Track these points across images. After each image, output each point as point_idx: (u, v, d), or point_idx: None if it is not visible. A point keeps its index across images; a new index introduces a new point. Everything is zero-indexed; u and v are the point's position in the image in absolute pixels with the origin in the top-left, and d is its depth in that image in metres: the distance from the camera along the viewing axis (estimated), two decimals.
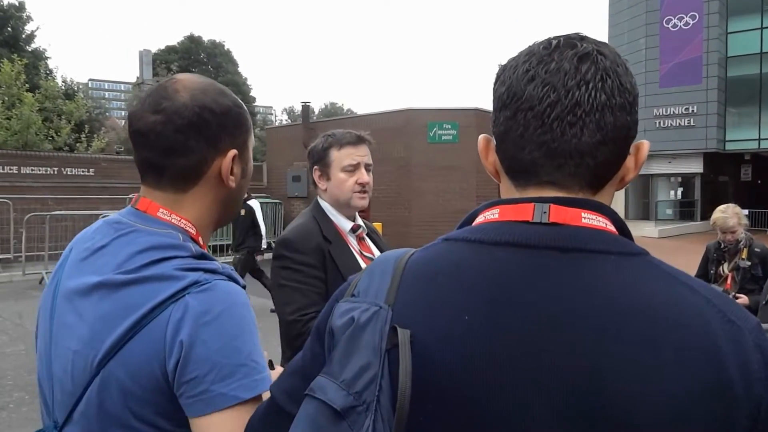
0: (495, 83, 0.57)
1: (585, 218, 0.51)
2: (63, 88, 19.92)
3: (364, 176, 1.54)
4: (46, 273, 8.19)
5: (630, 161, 0.55)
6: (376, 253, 1.61)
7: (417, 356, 0.48)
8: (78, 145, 17.09)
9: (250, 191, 6.09)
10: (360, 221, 1.62)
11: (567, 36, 0.54)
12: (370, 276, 0.56)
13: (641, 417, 0.43)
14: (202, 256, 0.74)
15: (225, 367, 0.66)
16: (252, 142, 0.85)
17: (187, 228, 0.77)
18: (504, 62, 0.57)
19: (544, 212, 0.51)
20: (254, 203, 6.71)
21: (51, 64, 24.80)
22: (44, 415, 0.77)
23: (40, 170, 11.35)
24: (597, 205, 0.53)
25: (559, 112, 0.51)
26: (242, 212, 6.38)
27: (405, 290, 0.52)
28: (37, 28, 22.76)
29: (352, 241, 1.56)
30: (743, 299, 3.12)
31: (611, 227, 0.53)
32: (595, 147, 0.51)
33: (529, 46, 0.56)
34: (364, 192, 1.55)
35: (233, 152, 0.78)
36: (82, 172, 11.91)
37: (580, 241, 0.50)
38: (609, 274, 0.48)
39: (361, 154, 1.54)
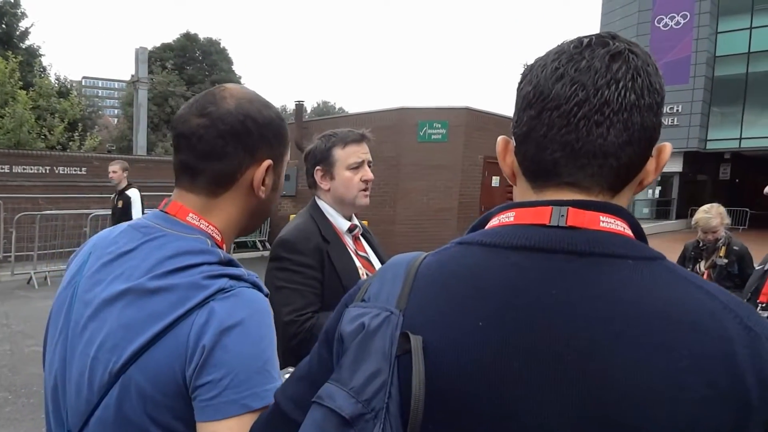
0: (521, 82, 0.56)
1: (603, 222, 0.51)
2: (57, 86, 19.89)
3: (369, 173, 1.57)
4: (35, 273, 8.22)
5: (651, 164, 0.54)
6: (370, 252, 1.64)
7: (429, 363, 0.47)
8: (71, 143, 17.09)
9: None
10: (356, 221, 1.64)
11: (598, 35, 0.53)
12: (381, 280, 0.55)
13: (656, 423, 0.42)
14: (229, 263, 0.74)
15: (241, 373, 0.65)
16: (287, 158, 0.86)
17: (214, 234, 0.78)
18: (531, 61, 0.57)
19: (562, 215, 0.50)
20: (133, 193, 5.54)
21: (45, 61, 24.85)
22: (52, 423, 0.76)
23: (32, 169, 11.37)
24: (615, 209, 0.52)
25: (587, 111, 0.50)
26: (119, 203, 5.51)
27: (417, 295, 0.52)
28: (32, 25, 22.75)
29: (348, 241, 1.59)
30: None
31: (628, 231, 0.52)
32: (621, 148, 0.50)
33: (559, 45, 0.55)
34: (367, 189, 1.58)
35: (268, 162, 0.79)
36: (75, 171, 11.93)
37: (598, 245, 0.49)
38: (627, 279, 0.47)
39: (364, 151, 1.58)
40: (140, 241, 0.74)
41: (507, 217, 0.54)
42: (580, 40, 0.53)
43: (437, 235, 9.94)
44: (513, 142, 0.58)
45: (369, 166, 1.59)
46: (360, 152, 1.56)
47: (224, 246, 0.80)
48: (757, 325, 0.46)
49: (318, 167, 1.58)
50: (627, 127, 0.50)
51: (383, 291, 0.54)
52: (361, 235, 1.66)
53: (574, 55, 0.52)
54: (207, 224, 0.78)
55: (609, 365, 0.44)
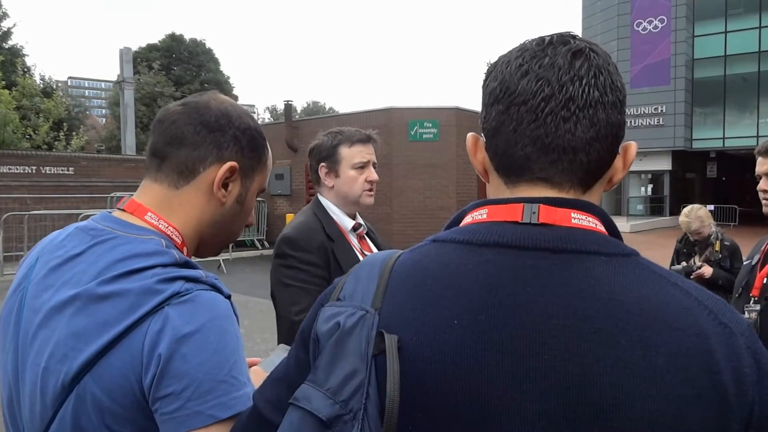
0: (486, 79, 0.57)
1: (575, 219, 0.51)
2: (41, 85, 19.55)
3: (374, 174, 1.58)
4: None
5: (618, 161, 0.55)
6: (376, 251, 1.66)
7: (405, 362, 0.47)
8: (57, 143, 16.82)
9: None
10: (360, 220, 1.65)
11: (559, 34, 0.54)
12: (356, 279, 0.55)
13: (635, 422, 0.43)
14: (185, 264, 0.71)
15: (204, 384, 0.63)
16: (262, 181, 0.84)
17: (173, 236, 0.75)
18: (495, 59, 0.57)
19: (534, 212, 0.51)
20: None
21: (29, 61, 24.32)
22: None
23: (17, 169, 11.17)
24: (587, 205, 0.52)
25: (553, 107, 0.50)
26: None
27: (392, 294, 0.51)
28: (14, 25, 22.18)
29: (353, 240, 1.59)
30: (706, 268, 3.28)
31: (601, 227, 0.52)
32: (588, 143, 0.51)
33: (521, 43, 0.56)
34: (372, 190, 1.58)
35: (231, 163, 0.77)
36: (62, 170, 11.76)
37: (571, 242, 0.49)
38: (600, 276, 0.47)
39: (370, 152, 1.58)
40: (88, 244, 0.71)
41: (480, 215, 0.55)
42: (542, 38, 0.54)
43: (436, 233, 10.03)
44: (482, 139, 0.58)
45: (374, 168, 1.60)
46: (366, 152, 1.57)
47: (185, 251, 0.77)
48: (731, 321, 0.47)
49: (323, 164, 1.57)
50: (593, 123, 0.51)
51: (358, 290, 0.53)
52: (366, 234, 1.66)
53: (537, 52, 0.53)
54: (167, 225, 0.75)
55: (587, 363, 0.44)
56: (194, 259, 0.79)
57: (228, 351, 0.66)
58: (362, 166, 1.56)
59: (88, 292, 0.66)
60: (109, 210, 0.77)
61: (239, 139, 0.79)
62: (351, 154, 1.56)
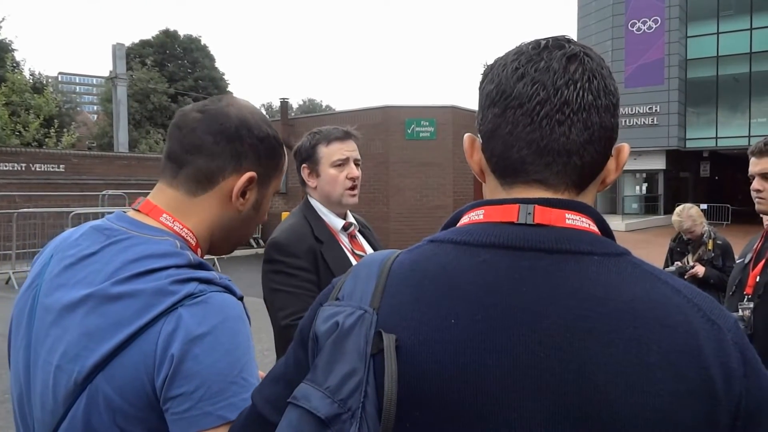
0: (482, 81, 0.58)
1: (569, 219, 0.52)
2: (31, 81, 19.27)
3: (354, 170, 1.55)
4: (13, 273, 7.95)
5: (611, 163, 0.56)
6: (369, 250, 1.61)
7: (403, 362, 0.48)
8: (47, 140, 16.57)
9: None
10: (351, 218, 1.62)
11: (554, 37, 0.55)
12: (354, 279, 0.55)
13: (628, 418, 0.44)
14: (199, 265, 0.71)
15: (214, 385, 0.63)
16: (276, 186, 0.86)
17: (188, 238, 0.76)
18: (491, 61, 0.58)
19: (529, 213, 0.52)
20: None
21: (18, 56, 24.00)
22: None
23: (6, 166, 10.98)
24: (581, 206, 0.53)
25: (548, 110, 0.51)
26: None
27: (390, 293, 0.52)
28: (2, 19, 21.76)
29: (344, 240, 1.56)
30: (699, 268, 3.33)
31: (594, 227, 0.53)
32: (582, 146, 0.52)
33: (517, 46, 0.57)
34: (354, 188, 1.56)
35: (250, 174, 0.78)
36: (52, 168, 11.58)
37: (565, 242, 0.50)
38: (593, 276, 0.48)
39: (349, 149, 1.56)
40: (103, 243, 0.71)
41: (477, 215, 0.55)
42: (537, 42, 0.55)
43: (433, 232, 10.01)
44: (479, 140, 0.59)
45: (356, 164, 1.57)
46: (344, 149, 1.55)
47: (199, 252, 0.78)
48: (719, 318, 0.48)
49: (304, 165, 1.57)
50: (587, 126, 0.52)
51: (357, 289, 0.54)
52: (359, 232, 1.64)
53: (533, 56, 0.54)
54: (181, 226, 0.75)
55: (582, 361, 0.45)
56: None
57: (239, 352, 0.67)
58: (341, 164, 1.54)
59: (101, 291, 0.66)
60: (124, 209, 0.79)
61: (257, 148, 0.79)
62: (329, 152, 1.54)
